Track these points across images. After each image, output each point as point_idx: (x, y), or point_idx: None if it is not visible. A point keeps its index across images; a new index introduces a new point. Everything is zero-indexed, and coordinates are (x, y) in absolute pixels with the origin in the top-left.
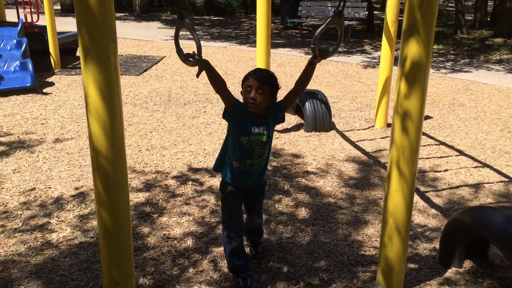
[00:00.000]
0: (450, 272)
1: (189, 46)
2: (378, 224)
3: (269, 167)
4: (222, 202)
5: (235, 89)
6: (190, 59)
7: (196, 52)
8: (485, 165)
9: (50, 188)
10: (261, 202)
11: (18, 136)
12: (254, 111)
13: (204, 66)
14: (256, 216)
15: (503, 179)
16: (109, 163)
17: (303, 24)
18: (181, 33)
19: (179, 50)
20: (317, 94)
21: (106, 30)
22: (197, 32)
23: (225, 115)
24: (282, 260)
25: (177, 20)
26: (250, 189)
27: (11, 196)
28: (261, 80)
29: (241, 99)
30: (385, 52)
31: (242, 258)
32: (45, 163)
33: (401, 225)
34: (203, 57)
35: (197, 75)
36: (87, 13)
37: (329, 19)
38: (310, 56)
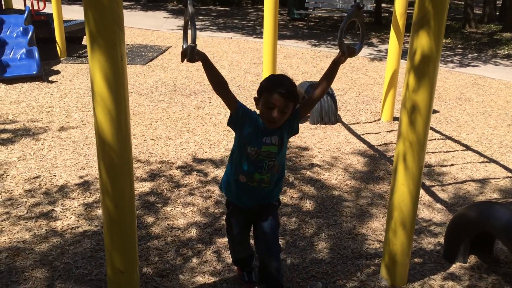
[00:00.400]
0: (454, 267)
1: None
2: (382, 217)
3: None
4: (226, 217)
5: (241, 80)
6: (184, 46)
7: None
8: (491, 160)
9: (55, 176)
10: (273, 230)
11: (23, 124)
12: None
13: (200, 57)
14: (271, 254)
15: (510, 174)
16: (115, 152)
17: (310, 15)
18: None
19: (184, 40)
20: None
21: (114, 18)
22: (204, 23)
23: (230, 123)
24: (286, 252)
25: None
26: (258, 209)
27: (16, 184)
28: (288, 96)
29: (242, 98)
30: (392, 45)
31: (247, 253)
32: (50, 151)
33: (406, 219)
34: (206, 51)
35: (190, 61)
36: (94, 0)
37: (349, 14)
38: (316, 49)
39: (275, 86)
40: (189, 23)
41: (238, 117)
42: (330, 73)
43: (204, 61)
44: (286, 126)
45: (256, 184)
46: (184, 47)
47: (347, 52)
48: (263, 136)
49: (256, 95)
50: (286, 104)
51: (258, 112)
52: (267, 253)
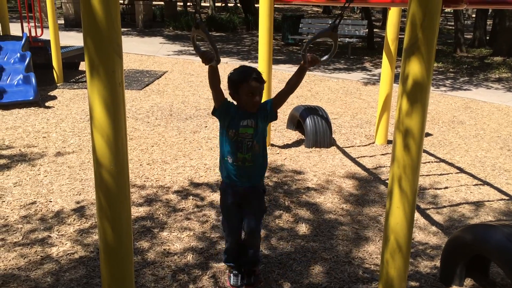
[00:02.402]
0: None
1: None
2: (378, 241)
3: (269, 183)
4: (220, 203)
5: None
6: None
7: (215, 56)
8: (485, 182)
9: (51, 201)
10: (257, 213)
11: (19, 149)
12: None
13: (215, 66)
14: (251, 231)
15: (503, 197)
16: (112, 177)
17: (304, 40)
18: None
19: (197, 47)
20: (317, 110)
21: (113, 45)
22: (200, 47)
23: (215, 113)
24: (282, 277)
25: (193, 28)
26: (244, 191)
27: (11, 210)
28: (261, 80)
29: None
30: (385, 69)
31: (235, 256)
32: (46, 176)
33: (403, 242)
34: (203, 76)
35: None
36: (94, 28)
37: (322, 31)
38: (310, 74)
39: (248, 75)
40: (209, 41)
41: (224, 108)
42: (297, 77)
43: (213, 69)
44: (262, 113)
45: (240, 163)
46: (200, 52)
47: (309, 61)
48: (240, 120)
49: (230, 90)
50: (262, 86)
51: (235, 103)
52: (249, 235)
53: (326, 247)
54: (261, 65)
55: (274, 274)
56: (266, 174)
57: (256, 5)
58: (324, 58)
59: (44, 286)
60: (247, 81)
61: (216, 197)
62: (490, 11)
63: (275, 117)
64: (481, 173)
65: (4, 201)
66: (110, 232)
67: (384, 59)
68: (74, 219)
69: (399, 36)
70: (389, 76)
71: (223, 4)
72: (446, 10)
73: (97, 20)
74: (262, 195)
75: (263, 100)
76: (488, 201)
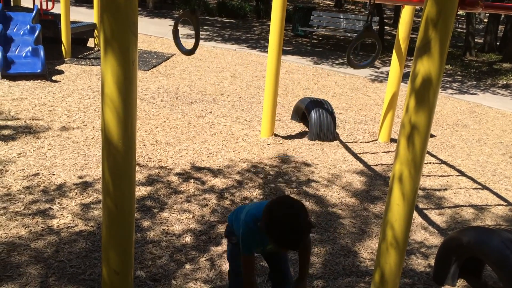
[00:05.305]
0: None
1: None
2: (375, 236)
3: (271, 172)
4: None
5: (243, 92)
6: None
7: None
8: (484, 187)
9: (54, 174)
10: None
11: (25, 121)
12: None
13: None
14: (284, 276)
15: (502, 202)
16: (119, 153)
17: (314, 33)
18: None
19: (177, 37)
20: (323, 103)
21: (129, 24)
22: (209, 33)
23: None
24: None
25: (187, 12)
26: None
27: (14, 180)
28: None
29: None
30: (394, 67)
31: None
32: (50, 149)
33: (399, 239)
34: (209, 61)
35: None
36: (111, 5)
37: (359, 34)
38: (318, 67)
39: (288, 243)
40: (195, 32)
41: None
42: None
43: None
44: None
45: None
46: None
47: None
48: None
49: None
50: None
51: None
52: (283, 282)
53: (323, 238)
54: (270, 54)
55: None
56: (267, 162)
57: None
58: (368, 61)
59: (43, 256)
60: (284, 246)
61: (216, 182)
62: (502, 17)
63: None
64: (481, 178)
65: (7, 171)
66: (114, 207)
67: (394, 58)
68: (76, 193)
69: (410, 36)
70: (398, 74)
71: None
72: (459, 13)
73: None
74: None
75: None
76: (487, 205)
